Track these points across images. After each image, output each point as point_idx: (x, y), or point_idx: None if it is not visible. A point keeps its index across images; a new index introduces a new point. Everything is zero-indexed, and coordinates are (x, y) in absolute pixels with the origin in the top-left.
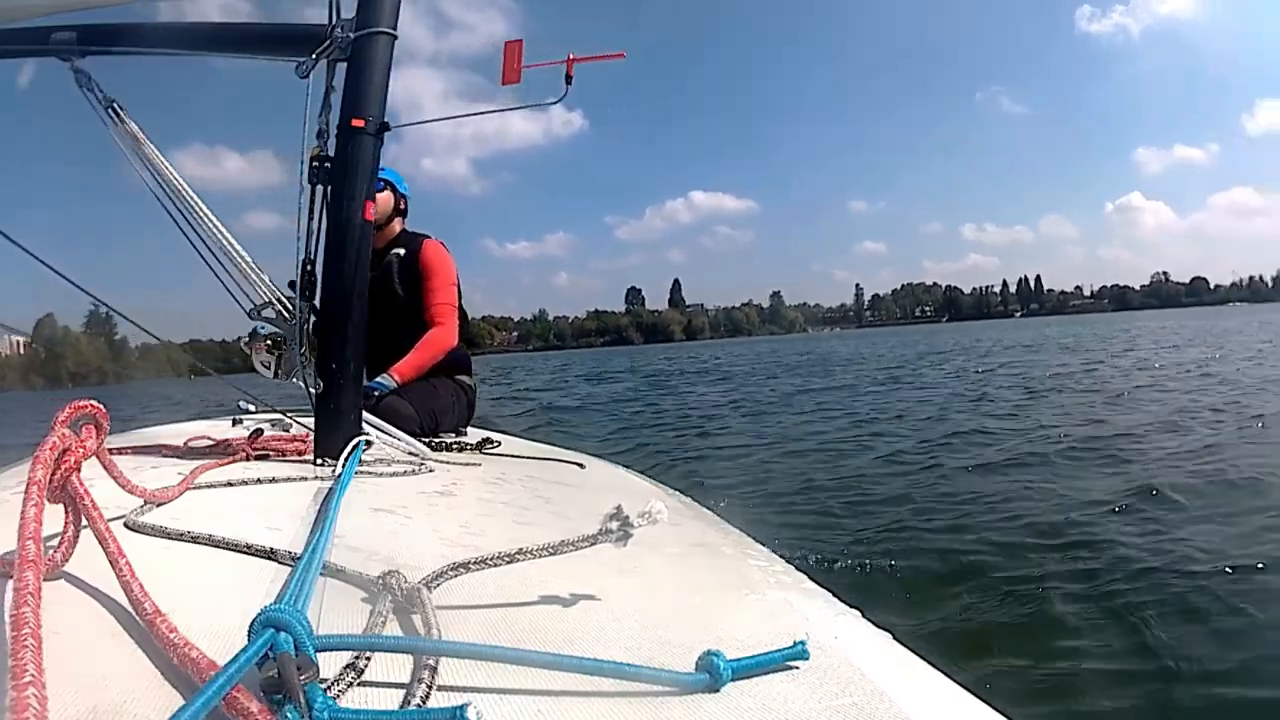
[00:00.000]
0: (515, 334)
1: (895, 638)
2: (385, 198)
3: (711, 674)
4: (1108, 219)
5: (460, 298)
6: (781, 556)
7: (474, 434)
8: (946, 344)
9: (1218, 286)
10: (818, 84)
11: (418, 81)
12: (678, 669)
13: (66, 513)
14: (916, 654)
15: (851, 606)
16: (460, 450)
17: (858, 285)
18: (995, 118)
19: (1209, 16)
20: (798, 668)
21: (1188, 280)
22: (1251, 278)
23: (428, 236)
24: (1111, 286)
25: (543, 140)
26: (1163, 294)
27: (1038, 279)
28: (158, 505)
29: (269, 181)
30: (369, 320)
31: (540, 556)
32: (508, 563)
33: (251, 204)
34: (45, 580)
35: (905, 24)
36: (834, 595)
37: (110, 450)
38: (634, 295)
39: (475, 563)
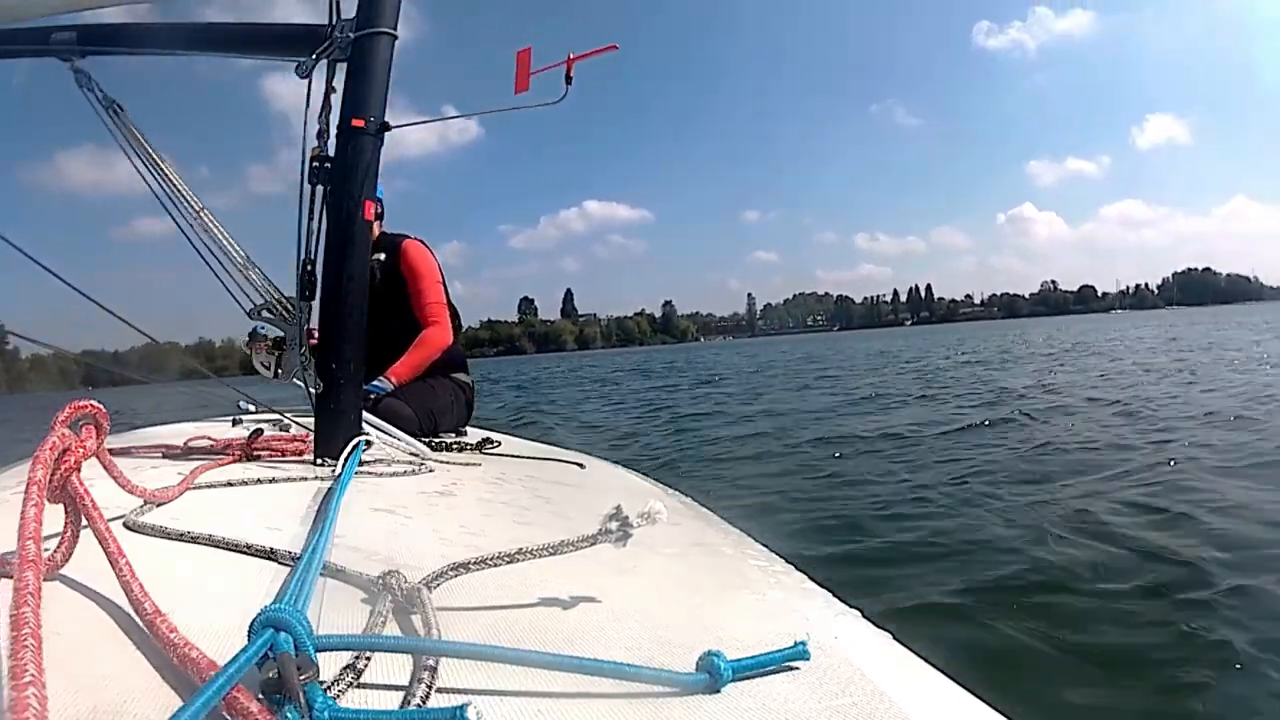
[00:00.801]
0: None
1: (895, 638)
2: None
3: (712, 674)
4: (1000, 229)
5: (448, 294)
6: (781, 556)
7: (474, 434)
8: (800, 354)
9: (1105, 294)
10: (713, 96)
11: (302, 86)
12: (678, 669)
13: (66, 513)
14: (916, 654)
15: (851, 606)
16: (460, 450)
17: (750, 295)
18: (890, 130)
19: (1103, 34)
20: (798, 668)
21: (1076, 289)
22: (1137, 285)
23: (406, 237)
24: (1001, 295)
25: (438, 148)
26: (1051, 302)
27: (928, 288)
28: (158, 505)
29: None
30: None
31: (540, 556)
32: (508, 563)
33: (142, 209)
34: (45, 580)
35: (802, 37)
36: (834, 595)
37: (110, 450)
38: (527, 305)
39: (475, 563)
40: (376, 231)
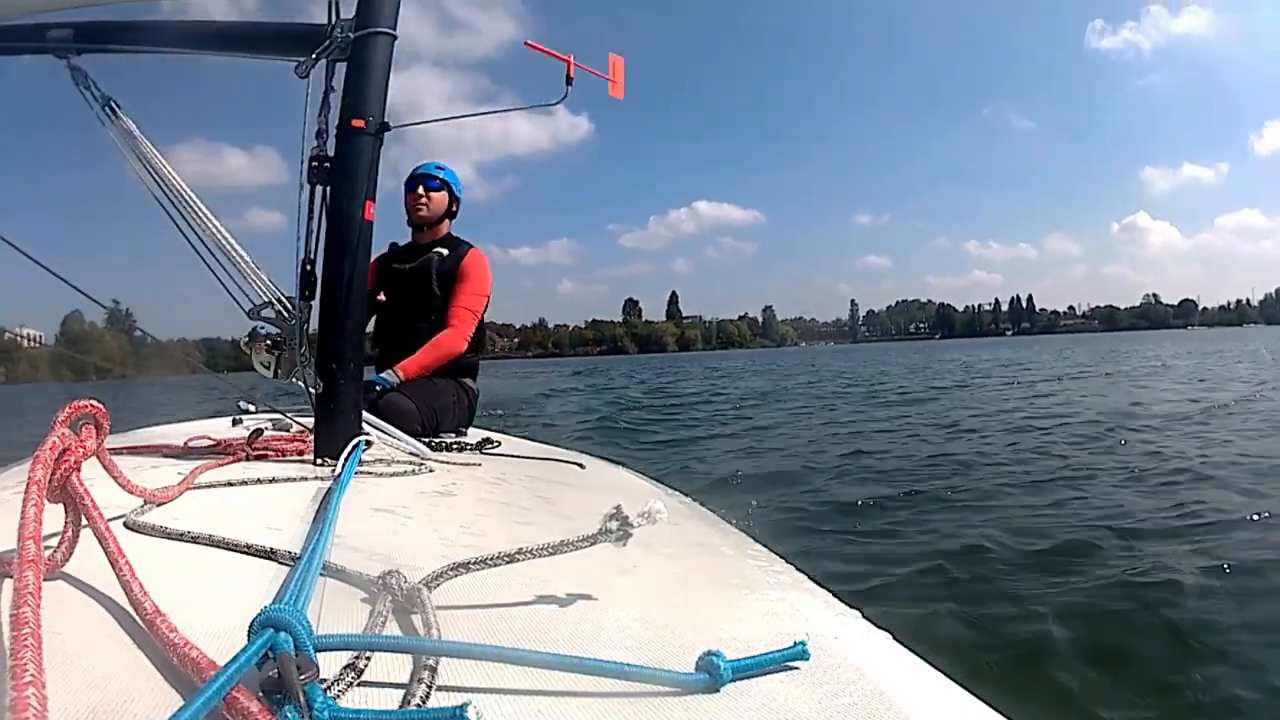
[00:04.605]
0: (516, 340)
1: (895, 638)
2: (441, 198)
3: (711, 674)
4: (1113, 238)
5: (485, 309)
6: (781, 557)
7: (474, 434)
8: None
9: (1205, 309)
10: (825, 97)
11: (421, 82)
12: (678, 669)
13: (66, 513)
14: (916, 654)
15: (851, 606)
16: (460, 450)
17: (853, 301)
18: (1003, 133)
19: (1222, 36)
20: (798, 668)
21: (1177, 302)
22: (1238, 301)
23: (473, 246)
24: (1104, 307)
25: (549, 145)
26: (1152, 315)
27: (1029, 298)
28: (158, 505)
29: (273, 180)
30: (397, 311)
31: (540, 556)
32: (508, 563)
33: (253, 200)
34: (45, 580)
35: (914, 38)
36: (834, 595)
37: (110, 450)
38: (631, 306)
39: (475, 563)
40: (446, 229)
